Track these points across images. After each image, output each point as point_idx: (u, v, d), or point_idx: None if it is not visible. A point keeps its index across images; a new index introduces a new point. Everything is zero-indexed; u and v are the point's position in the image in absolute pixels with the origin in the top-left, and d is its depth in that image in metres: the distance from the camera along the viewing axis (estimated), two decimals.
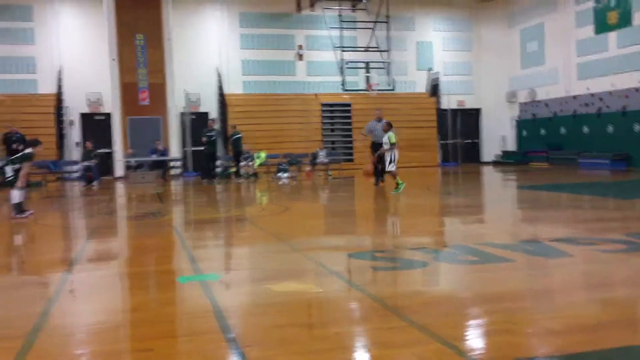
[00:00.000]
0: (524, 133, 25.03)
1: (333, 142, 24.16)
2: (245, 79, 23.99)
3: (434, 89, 25.54)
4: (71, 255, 6.84)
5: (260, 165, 20.87)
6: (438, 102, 25.38)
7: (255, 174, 20.03)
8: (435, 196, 13.38)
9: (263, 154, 20.92)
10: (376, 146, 13.87)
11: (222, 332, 3.50)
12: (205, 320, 3.76)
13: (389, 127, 13.00)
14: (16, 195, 9.75)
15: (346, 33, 23.08)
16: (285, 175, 19.56)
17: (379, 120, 14.33)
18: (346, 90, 22.67)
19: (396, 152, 12.75)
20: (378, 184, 14.24)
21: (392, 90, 22.75)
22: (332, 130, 24.45)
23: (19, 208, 9.75)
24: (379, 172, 14.04)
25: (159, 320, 3.93)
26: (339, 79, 22.48)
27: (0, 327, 3.77)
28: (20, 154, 10.15)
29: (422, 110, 25.01)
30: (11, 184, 9.80)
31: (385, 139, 12.82)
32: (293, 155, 21.60)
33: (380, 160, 13.54)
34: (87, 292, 4.89)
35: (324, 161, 21.15)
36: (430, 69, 25.79)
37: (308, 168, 21.06)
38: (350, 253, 6.01)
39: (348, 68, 22.35)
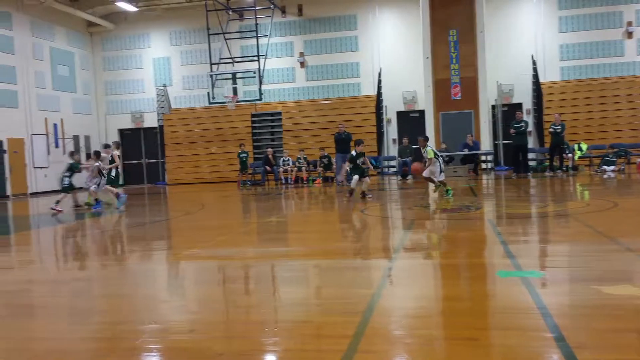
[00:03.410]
0: None
1: None
2: (563, 65, 22.54)
3: None
4: (393, 243, 7.34)
5: (581, 157, 19.36)
6: None
7: (575, 167, 18.65)
8: None
9: (584, 146, 19.36)
10: None
11: (548, 330, 3.35)
12: (529, 317, 3.65)
13: (424, 142, 12.52)
14: (354, 181, 12.53)
15: None
16: (611, 168, 17.74)
17: None
18: None
19: (440, 163, 12.34)
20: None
21: None
22: None
23: (352, 192, 12.46)
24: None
25: (482, 311, 3.95)
26: None
27: (342, 303, 4.26)
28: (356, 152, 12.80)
29: None
30: (362, 174, 12.69)
31: (424, 154, 12.41)
32: (622, 145, 19.40)
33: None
34: (409, 279, 5.17)
35: None
36: None
37: None
38: None
39: None
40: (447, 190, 12.24)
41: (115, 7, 24.54)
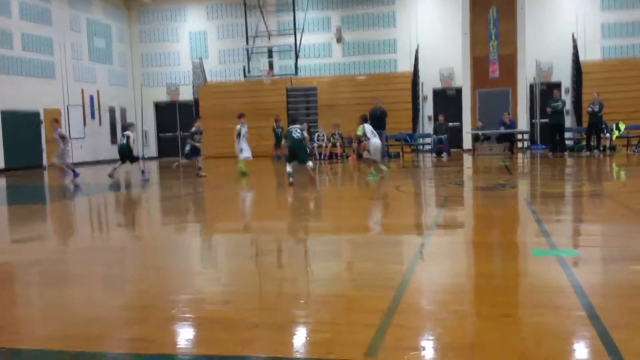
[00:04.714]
0: None
1: None
2: (604, 44, 21.93)
3: None
4: (426, 220, 7.35)
5: (618, 137, 18.91)
6: None
7: (612, 147, 18.24)
8: None
9: (622, 125, 18.89)
10: None
11: (583, 309, 3.34)
12: (564, 296, 3.65)
13: (362, 120, 12.46)
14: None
15: None
16: None
17: None
18: None
19: (369, 143, 12.04)
20: None
21: None
22: None
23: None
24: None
25: (516, 289, 3.97)
26: None
27: (376, 278, 4.32)
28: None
29: None
30: None
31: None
32: None
33: None
34: (443, 255, 5.18)
35: None
36: None
37: None
38: None
39: None
40: (372, 173, 12.04)
41: None
